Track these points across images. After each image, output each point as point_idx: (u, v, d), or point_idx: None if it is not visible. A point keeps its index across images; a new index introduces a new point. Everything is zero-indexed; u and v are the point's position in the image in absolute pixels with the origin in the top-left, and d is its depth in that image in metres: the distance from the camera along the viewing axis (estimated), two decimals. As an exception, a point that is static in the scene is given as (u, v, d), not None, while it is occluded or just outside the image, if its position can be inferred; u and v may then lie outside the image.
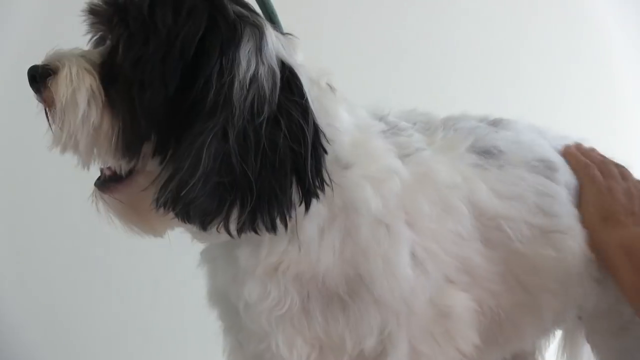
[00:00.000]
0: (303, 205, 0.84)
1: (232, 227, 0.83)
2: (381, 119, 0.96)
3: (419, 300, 0.89)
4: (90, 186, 0.90)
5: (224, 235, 0.84)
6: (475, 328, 0.93)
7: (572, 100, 1.79)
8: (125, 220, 0.90)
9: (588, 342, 1.16)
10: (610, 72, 1.82)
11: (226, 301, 0.96)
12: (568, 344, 1.22)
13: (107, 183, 0.89)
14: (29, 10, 1.61)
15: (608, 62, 1.83)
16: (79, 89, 0.84)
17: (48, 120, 0.87)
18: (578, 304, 1.07)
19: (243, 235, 0.84)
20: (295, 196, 0.84)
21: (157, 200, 0.83)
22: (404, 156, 0.92)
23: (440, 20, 1.76)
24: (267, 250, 0.88)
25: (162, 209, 0.83)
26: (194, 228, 0.86)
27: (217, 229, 0.83)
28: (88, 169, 0.87)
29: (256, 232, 0.84)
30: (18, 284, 1.69)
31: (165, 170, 0.84)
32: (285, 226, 0.84)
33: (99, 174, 0.90)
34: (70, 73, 0.84)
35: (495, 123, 1.04)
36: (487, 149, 0.99)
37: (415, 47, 1.72)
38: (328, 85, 0.91)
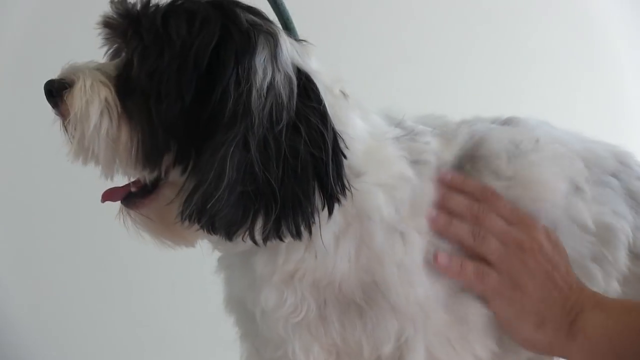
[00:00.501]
0: (326, 210, 0.84)
1: (258, 235, 0.83)
2: (398, 124, 0.96)
3: (434, 306, 0.89)
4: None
5: (245, 244, 0.85)
6: (491, 334, 0.92)
7: (579, 101, 1.80)
8: (154, 234, 0.91)
9: None
10: (616, 72, 1.83)
11: (243, 308, 0.96)
12: None
13: (133, 199, 0.90)
14: (26, 10, 1.61)
15: (614, 63, 1.83)
16: (92, 101, 0.84)
17: (66, 133, 0.87)
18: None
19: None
20: (318, 202, 0.84)
21: (182, 213, 0.83)
22: (415, 162, 0.92)
23: (447, 22, 1.77)
24: (283, 258, 0.88)
25: (187, 222, 0.83)
26: (215, 238, 0.86)
27: (242, 238, 0.83)
28: (111, 179, 0.88)
29: (281, 239, 0.84)
30: (29, 287, 1.69)
31: (188, 182, 0.84)
32: (310, 232, 0.84)
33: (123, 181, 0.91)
34: (85, 86, 0.85)
35: (507, 122, 1.03)
36: None
37: (422, 50, 1.74)
38: (341, 92, 0.91)
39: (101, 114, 0.84)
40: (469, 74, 1.75)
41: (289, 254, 0.87)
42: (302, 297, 0.88)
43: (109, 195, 0.91)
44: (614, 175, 1.01)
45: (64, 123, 0.87)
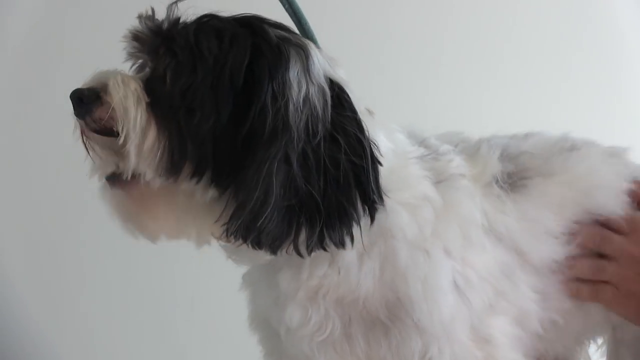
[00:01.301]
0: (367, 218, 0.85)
1: (302, 247, 0.83)
2: (421, 142, 0.96)
3: (459, 326, 0.90)
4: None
5: (262, 256, 0.85)
6: (518, 350, 0.93)
7: (588, 108, 1.80)
8: (125, 219, 0.89)
9: None
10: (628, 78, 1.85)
11: (267, 326, 0.96)
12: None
13: (119, 179, 0.87)
14: (29, 9, 1.59)
15: (626, 69, 1.85)
16: (127, 95, 0.84)
17: (86, 147, 0.87)
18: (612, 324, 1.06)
19: (285, 257, 0.85)
20: (360, 209, 0.84)
21: (228, 230, 0.83)
22: (438, 182, 0.92)
23: (467, 38, 1.78)
24: (307, 273, 0.88)
25: (232, 238, 0.83)
26: (231, 249, 0.87)
27: (286, 251, 0.83)
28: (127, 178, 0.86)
29: (325, 250, 0.84)
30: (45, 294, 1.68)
31: (230, 200, 0.84)
32: (352, 240, 0.84)
33: None
34: (117, 81, 0.85)
35: (526, 137, 1.04)
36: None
37: (442, 67, 1.75)
38: (367, 109, 0.91)
39: (135, 106, 0.84)
40: (489, 89, 1.76)
41: (313, 269, 0.88)
42: (326, 315, 0.89)
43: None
44: None
45: (84, 136, 0.86)
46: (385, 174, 0.88)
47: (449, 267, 0.89)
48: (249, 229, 0.81)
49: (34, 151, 1.63)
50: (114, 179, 0.87)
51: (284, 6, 0.99)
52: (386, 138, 0.92)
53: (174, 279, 1.68)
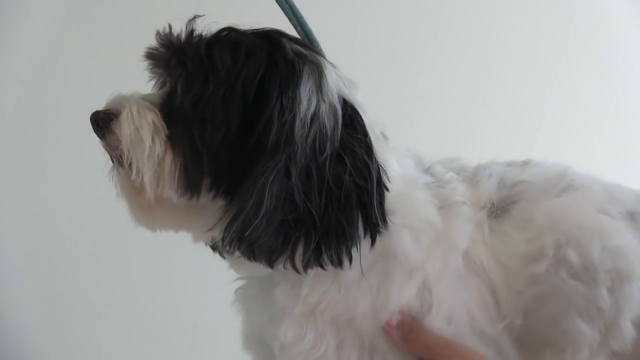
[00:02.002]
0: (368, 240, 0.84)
1: (298, 263, 0.83)
2: (427, 170, 0.96)
3: None
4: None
5: (260, 269, 0.85)
6: None
7: (598, 144, 1.77)
8: (130, 203, 0.89)
9: None
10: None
11: (261, 345, 0.95)
12: None
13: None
14: (45, 11, 1.62)
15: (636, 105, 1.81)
16: (142, 126, 0.85)
17: (114, 166, 0.88)
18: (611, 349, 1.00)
19: (283, 272, 0.85)
20: (360, 231, 0.83)
21: (223, 239, 0.83)
22: (441, 208, 0.92)
23: (462, 61, 1.76)
24: (308, 289, 0.87)
25: (228, 247, 0.83)
26: (232, 258, 0.87)
27: (283, 265, 0.83)
28: (154, 206, 0.87)
29: (322, 267, 0.83)
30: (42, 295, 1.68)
31: (230, 209, 0.83)
32: (350, 261, 0.83)
33: None
34: (131, 113, 0.85)
35: (524, 165, 1.02)
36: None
37: (437, 92, 1.73)
38: (382, 133, 0.92)
39: (152, 138, 0.84)
40: (485, 115, 1.73)
41: (315, 284, 0.87)
42: (322, 333, 0.87)
43: None
44: (632, 216, 0.97)
45: (112, 157, 0.88)
46: (393, 197, 0.88)
47: (419, 300, 0.88)
48: (240, 239, 0.81)
49: (34, 151, 1.65)
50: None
51: (284, 11, 0.99)
52: (397, 163, 0.91)
53: (174, 288, 1.66)
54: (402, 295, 0.87)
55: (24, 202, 1.66)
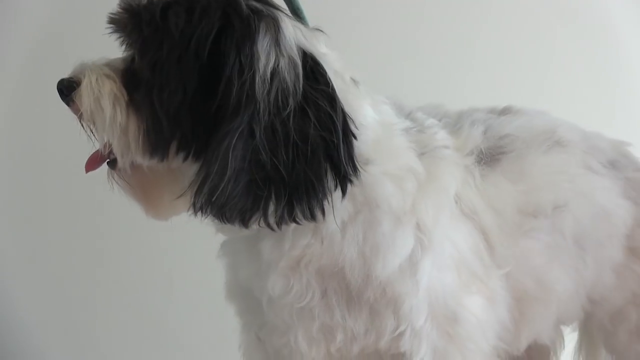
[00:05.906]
0: (339, 192, 0.84)
1: (272, 220, 0.82)
2: (407, 115, 0.96)
3: (431, 304, 0.89)
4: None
5: (240, 230, 0.85)
6: (491, 327, 0.93)
7: (583, 96, 1.74)
8: (134, 198, 0.92)
9: (606, 349, 1.13)
10: (624, 71, 1.77)
11: (247, 296, 0.96)
12: (584, 347, 1.19)
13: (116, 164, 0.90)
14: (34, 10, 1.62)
15: (619, 61, 1.77)
16: (102, 95, 0.85)
17: (83, 128, 0.89)
18: (590, 296, 1.04)
19: (267, 229, 0.85)
20: (331, 183, 0.83)
21: (194, 205, 0.82)
22: (422, 154, 0.92)
23: (451, 17, 1.73)
24: (290, 244, 0.87)
25: (199, 214, 0.83)
26: (217, 221, 0.87)
27: (258, 224, 0.83)
28: (127, 171, 0.88)
29: (297, 222, 0.83)
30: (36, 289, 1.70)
31: (197, 175, 0.83)
32: (323, 214, 0.83)
33: None
34: (91, 82, 0.85)
35: (505, 112, 1.04)
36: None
37: (427, 45, 1.71)
38: (352, 79, 0.90)
39: (112, 105, 0.85)
40: (471, 68, 1.71)
41: (296, 239, 0.87)
42: (307, 284, 0.88)
43: (89, 164, 0.91)
44: (612, 165, 1.02)
45: (79, 120, 0.88)
46: (370, 144, 0.87)
47: (417, 243, 0.88)
48: (209, 203, 0.81)
49: (33, 152, 1.66)
50: (114, 165, 0.90)
51: None
52: (372, 108, 0.90)
53: (174, 288, 1.68)
54: (395, 241, 0.87)
55: (24, 202, 1.67)
